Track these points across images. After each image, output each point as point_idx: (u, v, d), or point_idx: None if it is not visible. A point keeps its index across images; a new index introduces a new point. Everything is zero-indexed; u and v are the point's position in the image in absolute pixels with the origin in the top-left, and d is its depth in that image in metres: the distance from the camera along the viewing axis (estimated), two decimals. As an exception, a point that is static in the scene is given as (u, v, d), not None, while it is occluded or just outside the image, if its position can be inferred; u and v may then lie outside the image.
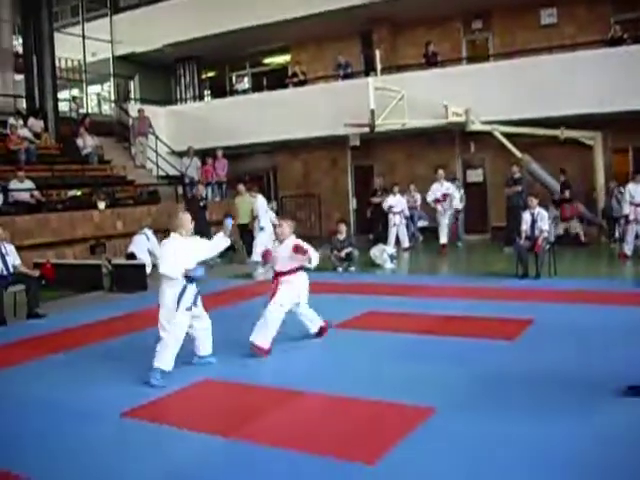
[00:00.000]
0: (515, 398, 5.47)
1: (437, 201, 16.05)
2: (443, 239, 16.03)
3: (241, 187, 16.50)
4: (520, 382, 5.91)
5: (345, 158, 20.90)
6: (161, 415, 5.58)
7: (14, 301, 10.36)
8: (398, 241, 16.63)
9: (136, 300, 11.28)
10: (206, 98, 25.30)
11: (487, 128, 16.22)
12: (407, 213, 16.89)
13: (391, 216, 16.58)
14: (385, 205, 16.65)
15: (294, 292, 7.52)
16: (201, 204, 16.25)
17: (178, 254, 6.55)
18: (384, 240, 15.92)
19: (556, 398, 5.40)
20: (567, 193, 15.95)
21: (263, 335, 7.25)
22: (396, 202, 16.61)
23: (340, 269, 13.54)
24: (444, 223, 16.14)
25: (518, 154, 15.91)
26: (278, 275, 7.63)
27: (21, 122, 17.72)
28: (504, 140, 16.09)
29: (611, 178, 15.86)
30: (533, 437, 4.71)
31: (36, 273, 10.70)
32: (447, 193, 16.05)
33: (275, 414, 5.47)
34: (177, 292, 6.52)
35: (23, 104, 20.11)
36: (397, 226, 16.59)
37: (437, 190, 16.06)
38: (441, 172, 16.28)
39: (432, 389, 5.83)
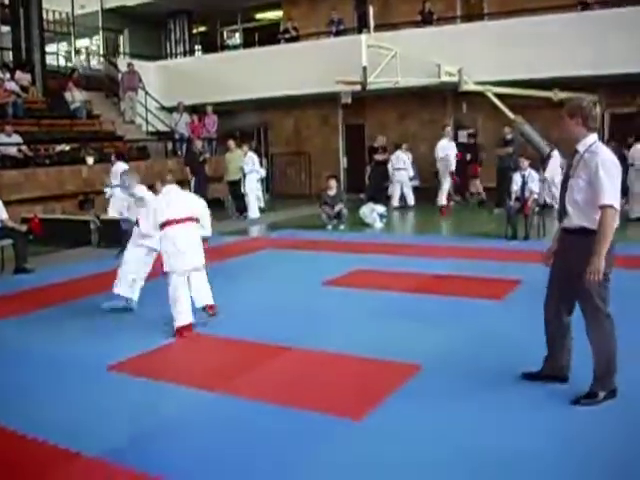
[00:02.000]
0: (502, 356, 5.50)
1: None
2: (443, 200, 16.19)
3: (231, 143, 16.44)
4: (507, 341, 5.94)
5: (336, 116, 20.77)
6: (148, 369, 5.58)
7: (1, 256, 10.32)
8: (389, 199, 16.82)
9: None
10: (197, 53, 25.00)
11: (480, 88, 16.09)
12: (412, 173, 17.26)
13: (396, 173, 16.93)
14: (394, 161, 17.00)
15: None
16: (201, 159, 16.21)
17: None
18: (380, 199, 15.93)
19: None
20: (469, 155, 17.48)
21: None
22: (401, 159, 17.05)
23: (329, 227, 13.55)
24: (446, 184, 16.37)
25: (511, 115, 15.80)
26: None
27: (8, 75, 17.41)
28: (496, 101, 15.97)
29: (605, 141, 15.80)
30: (519, 395, 4.75)
31: (23, 228, 10.62)
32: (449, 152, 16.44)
33: (262, 369, 5.50)
34: None
35: (10, 57, 19.82)
36: (401, 183, 16.94)
37: (447, 148, 16.23)
38: (448, 129, 16.75)
39: (419, 347, 5.86)
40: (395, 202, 16.89)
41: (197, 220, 6.79)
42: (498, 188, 15.41)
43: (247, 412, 4.66)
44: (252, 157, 15.95)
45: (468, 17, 18.79)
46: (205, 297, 6.82)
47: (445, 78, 15.90)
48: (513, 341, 5.90)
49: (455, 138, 18.08)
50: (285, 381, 5.24)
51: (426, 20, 17.96)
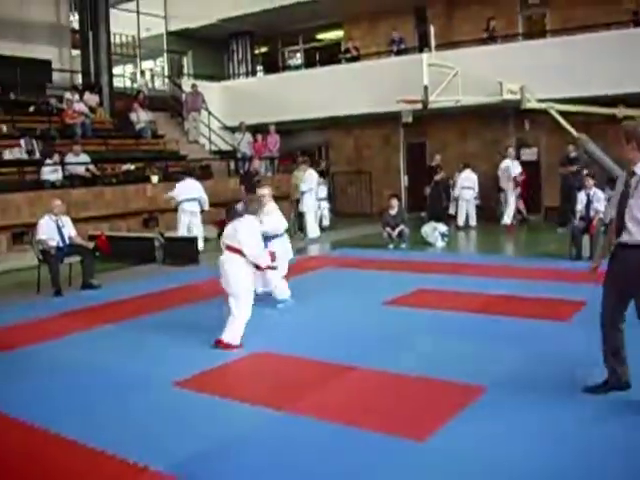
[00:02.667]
0: (568, 380, 5.40)
1: (514, 179, 16.21)
2: (508, 219, 16.04)
3: (301, 160, 16.60)
4: (573, 363, 5.82)
5: (397, 135, 20.76)
6: (213, 386, 5.64)
7: (69, 272, 10.58)
8: (452, 217, 16.76)
9: (187, 273, 11.43)
10: (259, 74, 25.32)
11: (543, 106, 15.88)
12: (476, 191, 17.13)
13: (464, 192, 16.82)
14: (462, 180, 16.92)
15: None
16: (256, 179, 16.42)
17: None
18: (442, 218, 15.87)
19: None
20: None
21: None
22: (471, 178, 16.98)
23: (391, 246, 13.52)
24: (512, 202, 16.22)
25: (574, 133, 15.57)
26: None
27: (77, 97, 17.96)
28: (560, 118, 15.74)
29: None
30: (586, 420, 4.66)
31: (91, 245, 10.90)
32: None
33: (327, 388, 5.51)
34: None
35: (79, 79, 20.43)
36: (467, 202, 16.84)
37: (513, 167, 16.07)
38: (511, 150, 16.60)
39: (483, 368, 5.80)
40: (461, 221, 16.78)
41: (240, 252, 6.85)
42: (562, 207, 15.19)
43: (311, 431, 4.67)
44: (312, 175, 16.03)
45: (530, 34, 18.63)
46: (225, 330, 6.82)
47: (507, 96, 15.73)
48: (579, 362, 5.78)
49: (518, 157, 17.90)
50: (349, 401, 5.24)
51: (491, 38, 17.80)
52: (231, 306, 6.79)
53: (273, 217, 8.53)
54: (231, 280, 6.79)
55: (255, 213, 7.32)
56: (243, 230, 6.88)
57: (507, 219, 16.02)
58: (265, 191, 8.75)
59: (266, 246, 7.58)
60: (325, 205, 17.24)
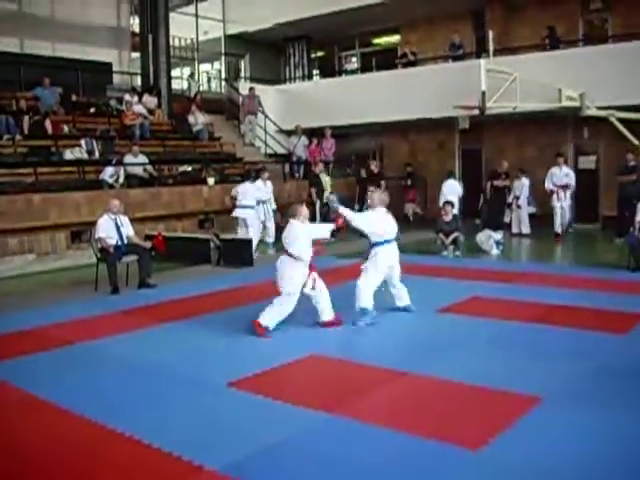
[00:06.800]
0: (625, 393, 5.30)
1: (551, 192, 15.78)
2: (556, 228, 15.67)
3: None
4: (631, 377, 5.72)
5: (453, 141, 20.61)
6: (266, 387, 5.66)
7: (127, 271, 10.76)
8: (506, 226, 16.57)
9: (242, 275, 11.52)
10: (315, 77, 25.40)
11: (603, 114, 15.58)
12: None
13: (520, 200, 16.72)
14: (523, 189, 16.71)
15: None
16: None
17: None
18: (498, 225, 15.70)
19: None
20: (409, 181, 20.10)
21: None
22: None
23: (445, 253, 13.40)
24: (558, 211, 15.76)
25: (635, 141, 15.27)
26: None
27: (136, 99, 18.29)
28: (621, 127, 15.44)
29: None
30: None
31: (148, 245, 11.04)
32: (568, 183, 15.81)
33: (379, 393, 5.49)
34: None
35: (138, 81, 20.80)
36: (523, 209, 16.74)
37: (555, 176, 15.72)
38: (561, 159, 16.01)
39: (538, 378, 5.72)
40: (527, 229, 16.65)
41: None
42: (619, 217, 14.87)
43: (362, 436, 4.65)
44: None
45: (591, 40, 18.31)
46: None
47: (566, 103, 15.47)
48: (638, 378, 5.68)
49: (575, 165, 17.62)
50: (401, 406, 5.22)
51: (555, 46, 17.51)
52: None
53: (371, 222, 7.92)
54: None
55: (295, 217, 7.55)
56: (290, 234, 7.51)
57: (556, 228, 15.74)
58: (373, 195, 8.27)
59: (373, 251, 7.95)
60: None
